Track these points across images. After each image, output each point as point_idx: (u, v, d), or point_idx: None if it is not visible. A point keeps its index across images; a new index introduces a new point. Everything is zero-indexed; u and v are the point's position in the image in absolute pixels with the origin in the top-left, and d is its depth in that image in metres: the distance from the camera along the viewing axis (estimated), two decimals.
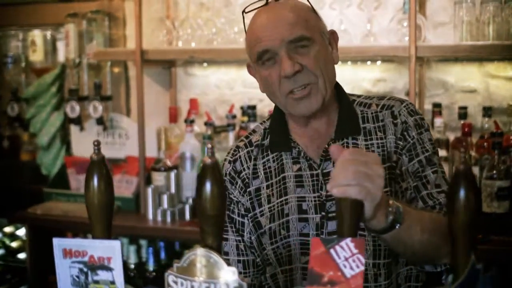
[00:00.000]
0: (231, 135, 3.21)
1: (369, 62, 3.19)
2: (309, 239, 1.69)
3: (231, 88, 3.43)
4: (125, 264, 3.03)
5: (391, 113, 1.72)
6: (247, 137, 1.85)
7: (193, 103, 3.36)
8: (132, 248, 3.07)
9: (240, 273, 1.76)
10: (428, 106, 3.10)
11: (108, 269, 1.31)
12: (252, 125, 3.22)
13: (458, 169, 1.18)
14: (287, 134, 1.77)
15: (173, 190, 3.15)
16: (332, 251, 1.20)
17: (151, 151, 3.26)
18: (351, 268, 1.18)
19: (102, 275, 1.31)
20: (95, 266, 1.32)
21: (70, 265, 1.33)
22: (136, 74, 3.09)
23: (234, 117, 3.21)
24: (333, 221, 1.67)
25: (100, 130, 3.44)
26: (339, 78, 1.76)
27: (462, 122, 2.90)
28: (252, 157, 1.80)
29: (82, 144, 3.49)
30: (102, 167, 1.34)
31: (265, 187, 1.76)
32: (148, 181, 3.20)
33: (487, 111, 2.93)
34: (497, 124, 2.80)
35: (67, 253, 1.33)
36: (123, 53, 3.28)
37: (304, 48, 1.62)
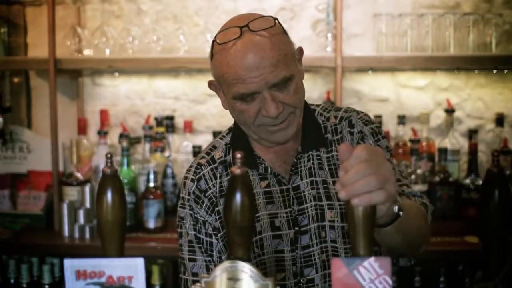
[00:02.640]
0: (147, 147, 3.12)
1: None
2: (283, 255, 1.67)
3: (142, 99, 3.34)
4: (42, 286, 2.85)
5: (349, 122, 1.73)
6: (208, 153, 1.78)
7: (104, 114, 3.23)
8: (47, 268, 2.88)
9: None
10: None
11: None
12: (171, 137, 3.16)
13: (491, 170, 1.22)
14: (251, 150, 1.73)
15: (88, 205, 3.00)
16: (355, 272, 1.15)
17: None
18: None
19: None
20: (114, 286, 1.23)
21: (84, 287, 1.23)
22: (49, 85, 2.92)
23: (151, 128, 3.12)
24: (305, 235, 1.67)
25: None
26: None
27: None
28: (218, 175, 1.74)
29: None
30: (115, 180, 1.26)
31: None
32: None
33: (402, 119, 3.08)
34: (415, 131, 2.95)
35: (80, 274, 1.23)
36: (32, 61, 3.08)
37: (285, 86, 1.59)
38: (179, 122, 3.25)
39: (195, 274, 1.72)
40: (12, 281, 2.92)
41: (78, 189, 3.02)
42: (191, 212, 1.73)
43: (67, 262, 1.22)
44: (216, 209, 1.72)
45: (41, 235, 2.98)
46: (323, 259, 1.68)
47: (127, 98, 3.34)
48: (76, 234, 2.91)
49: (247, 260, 1.22)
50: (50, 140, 2.96)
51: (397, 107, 3.22)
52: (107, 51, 3.01)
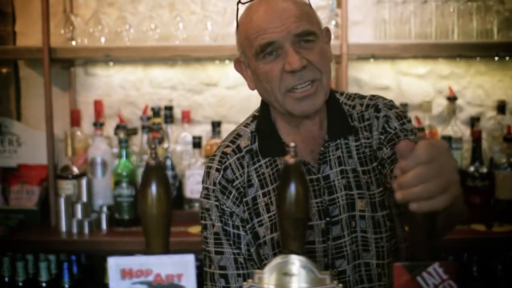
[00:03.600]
0: (145, 138, 3.03)
1: None
2: (314, 246, 1.63)
3: (137, 89, 3.24)
4: (39, 284, 2.75)
5: (375, 108, 1.69)
6: (233, 142, 1.72)
7: (98, 105, 3.12)
8: (44, 265, 2.77)
9: (240, 287, 1.67)
10: None
11: (178, 287, 1.16)
12: (170, 128, 3.08)
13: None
14: (278, 137, 1.68)
15: (85, 198, 2.90)
16: (419, 278, 1.10)
17: (45, 158, 2.94)
18: None
19: None
20: (161, 285, 1.16)
21: (130, 287, 1.15)
22: (44, 75, 2.79)
23: (149, 118, 3.03)
24: (336, 225, 1.63)
25: None
26: None
27: None
28: (245, 164, 1.68)
29: None
30: (160, 172, 1.17)
31: (261, 195, 1.66)
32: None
33: (404, 108, 3.04)
34: (419, 120, 2.92)
35: (126, 273, 1.15)
36: (24, 50, 2.95)
37: (309, 43, 1.56)
38: (176, 112, 3.16)
39: (222, 268, 1.66)
40: (6, 279, 2.81)
41: (74, 182, 2.92)
42: (217, 203, 1.67)
43: (112, 261, 1.14)
44: (244, 199, 1.67)
45: (36, 231, 2.86)
46: (354, 249, 1.63)
47: (121, 88, 3.24)
48: (74, 229, 2.80)
49: (301, 253, 1.16)
50: (46, 133, 2.85)
51: (398, 95, 3.17)
52: (103, 40, 2.91)
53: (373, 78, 3.19)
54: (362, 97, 1.75)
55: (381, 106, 1.69)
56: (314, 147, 1.67)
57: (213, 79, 3.23)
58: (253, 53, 1.59)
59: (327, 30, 1.68)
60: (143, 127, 3.02)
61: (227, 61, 3.14)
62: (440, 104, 3.18)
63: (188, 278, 1.15)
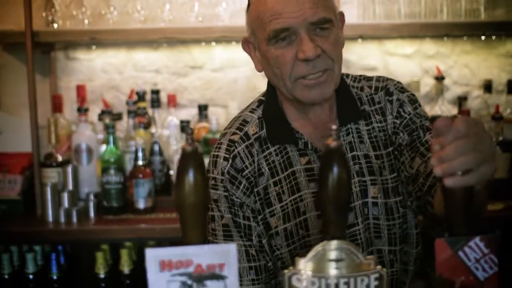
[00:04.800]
0: (131, 123, 2.95)
1: None
2: None
3: (120, 73, 3.15)
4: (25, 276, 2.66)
5: (386, 91, 1.66)
6: (239, 129, 1.65)
7: (81, 90, 3.02)
8: (30, 256, 2.68)
9: (253, 280, 1.63)
10: None
11: (220, 277, 1.11)
12: (156, 112, 3.00)
13: None
14: (287, 123, 1.63)
15: (71, 187, 2.82)
16: (461, 253, 1.09)
17: (27, 146, 2.86)
18: (484, 270, 1.09)
19: (212, 285, 1.11)
20: (202, 276, 1.11)
21: (169, 279, 1.10)
22: (27, 59, 2.68)
23: (135, 103, 2.95)
24: (350, 213, 1.59)
25: None
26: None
27: None
28: (254, 153, 1.62)
29: None
30: (197, 158, 1.12)
31: (272, 185, 1.61)
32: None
33: None
34: None
35: (165, 265, 1.10)
36: (3, 34, 2.82)
37: (324, 30, 1.51)
38: (161, 96, 3.08)
39: None
40: None
41: (59, 170, 2.82)
42: (226, 193, 1.61)
43: (149, 252, 1.09)
44: (256, 189, 1.61)
45: (21, 222, 2.77)
46: (367, 237, 1.61)
47: (104, 72, 3.14)
48: (62, 219, 2.72)
49: (344, 238, 1.13)
50: (30, 120, 2.75)
51: (385, 75, 3.14)
52: (86, 22, 2.81)
53: (360, 59, 3.17)
54: (369, 78, 1.71)
55: (392, 89, 1.65)
56: (324, 133, 1.62)
57: (199, 62, 3.16)
58: (265, 37, 1.53)
59: (342, 15, 1.64)
60: (129, 112, 2.94)
61: (213, 43, 3.08)
62: (427, 84, 3.18)
63: (230, 268, 1.11)
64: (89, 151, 2.88)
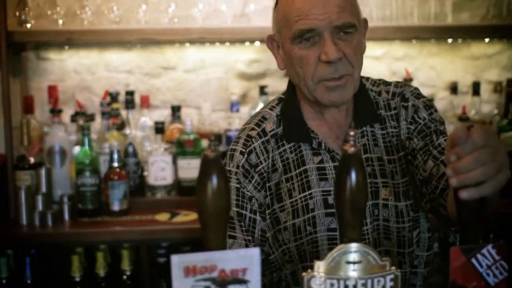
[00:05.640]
0: (105, 125, 2.93)
1: (247, 43, 3.13)
2: (336, 233, 1.63)
3: (92, 73, 3.12)
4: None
5: (402, 97, 1.70)
6: (258, 125, 1.70)
7: (53, 90, 2.99)
8: (3, 260, 2.63)
9: None
10: None
11: (243, 282, 1.13)
12: (131, 113, 2.99)
13: None
14: (304, 123, 1.68)
15: (44, 189, 2.78)
16: (473, 260, 1.14)
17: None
18: (495, 275, 1.15)
19: None
20: (226, 281, 1.13)
21: (193, 284, 1.11)
22: (1, 60, 2.64)
23: (109, 104, 2.93)
24: None
25: None
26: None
27: None
28: (270, 149, 1.67)
29: None
30: (219, 165, 1.14)
31: (284, 181, 1.66)
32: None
33: None
34: None
35: (189, 271, 1.11)
36: None
37: (347, 35, 1.56)
38: (134, 97, 3.07)
39: None
40: None
41: (32, 173, 2.78)
42: (238, 185, 1.66)
43: (175, 258, 1.10)
44: (267, 185, 1.66)
45: None
46: (375, 237, 1.65)
47: (75, 73, 3.11)
48: (37, 222, 2.68)
49: (360, 241, 1.16)
50: (3, 121, 2.70)
51: None
52: (60, 22, 2.78)
53: None
54: (387, 83, 1.76)
55: (408, 95, 1.69)
56: (339, 134, 1.67)
57: (171, 63, 3.16)
58: (290, 36, 1.57)
59: (365, 21, 1.68)
60: (103, 113, 2.92)
61: (187, 44, 3.08)
62: None
63: (252, 272, 1.13)
64: (63, 153, 2.84)
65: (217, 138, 1.15)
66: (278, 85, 3.20)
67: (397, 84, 1.75)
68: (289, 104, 1.70)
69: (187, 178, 2.93)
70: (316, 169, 1.65)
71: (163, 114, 3.13)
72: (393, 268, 1.15)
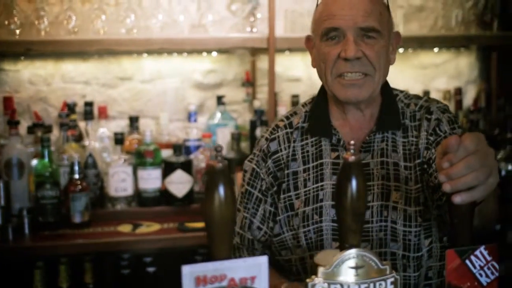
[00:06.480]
0: (64, 136, 2.89)
1: (204, 54, 3.15)
2: None
3: (48, 84, 3.07)
4: None
5: (427, 109, 1.75)
6: (287, 117, 1.84)
7: (9, 102, 2.92)
8: None
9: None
10: (262, 95, 3.21)
11: None
12: (89, 125, 2.96)
13: None
14: (328, 120, 1.77)
15: (2, 202, 2.72)
16: (467, 261, 1.21)
17: None
18: (487, 276, 1.22)
19: None
20: None
21: None
22: None
23: (68, 115, 2.89)
24: (366, 210, 1.64)
25: None
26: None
27: None
28: (292, 139, 1.79)
29: None
30: (226, 175, 1.17)
31: (302, 171, 1.77)
32: None
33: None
34: None
35: (200, 281, 1.14)
36: None
37: (370, 39, 1.65)
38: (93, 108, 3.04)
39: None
40: None
41: None
42: (254, 166, 1.81)
43: (186, 269, 1.12)
44: (286, 172, 1.77)
45: None
46: (381, 237, 1.69)
47: (30, 84, 3.06)
48: None
49: (359, 246, 1.21)
50: None
51: (309, 86, 3.29)
52: (17, 32, 2.73)
53: (285, 70, 3.28)
54: (418, 97, 1.81)
55: (433, 109, 1.74)
56: (360, 136, 1.75)
57: (128, 73, 3.15)
58: (319, 34, 1.69)
59: (397, 34, 1.76)
60: (61, 125, 2.88)
61: (145, 54, 3.08)
62: None
63: (261, 280, 1.16)
64: (21, 165, 2.79)
65: (222, 148, 1.17)
66: (234, 94, 3.24)
67: (427, 99, 1.81)
68: (319, 103, 1.80)
69: (148, 188, 2.92)
70: (331, 164, 1.74)
71: (120, 125, 3.12)
72: (393, 272, 1.20)
